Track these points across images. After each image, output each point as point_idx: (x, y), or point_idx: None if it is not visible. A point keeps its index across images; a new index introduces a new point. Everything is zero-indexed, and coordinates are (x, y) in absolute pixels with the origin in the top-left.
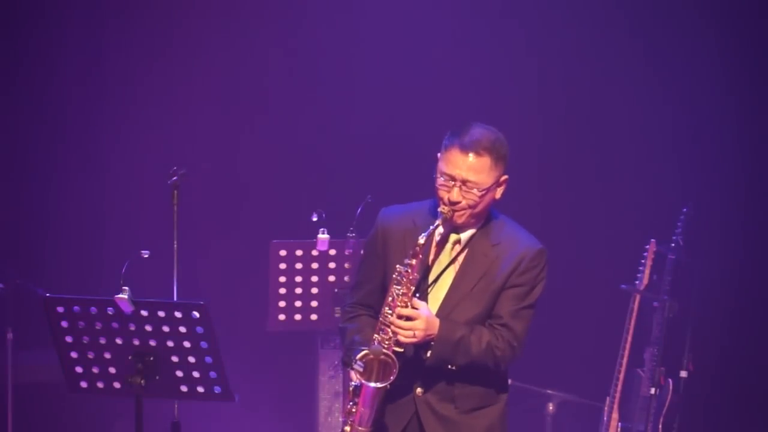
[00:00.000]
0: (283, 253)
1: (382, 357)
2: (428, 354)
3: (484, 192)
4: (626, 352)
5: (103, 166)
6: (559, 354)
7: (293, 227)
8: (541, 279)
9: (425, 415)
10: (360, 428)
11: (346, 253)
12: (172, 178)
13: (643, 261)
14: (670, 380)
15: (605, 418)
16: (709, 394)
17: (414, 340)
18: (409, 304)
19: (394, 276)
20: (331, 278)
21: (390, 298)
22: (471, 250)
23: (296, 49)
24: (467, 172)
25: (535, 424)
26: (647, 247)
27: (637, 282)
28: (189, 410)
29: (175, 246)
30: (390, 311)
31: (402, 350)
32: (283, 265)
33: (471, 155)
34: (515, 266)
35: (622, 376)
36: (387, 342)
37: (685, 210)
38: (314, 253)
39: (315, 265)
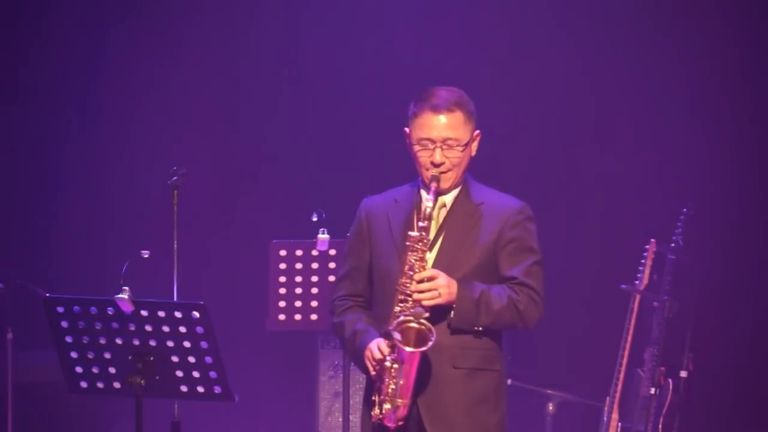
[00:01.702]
0: (283, 253)
1: (418, 325)
2: (451, 315)
3: (464, 147)
4: (626, 352)
5: (103, 166)
6: (559, 354)
7: (293, 227)
8: (533, 234)
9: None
10: (399, 401)
11: None
12: (172, 178)
13: (643, 261)
14: (670, 380)
15: (605, 418)
16: (709, 394)
17: (440, 299)
18: (425, 268)
19: (408, 244)
20: (331, 278)
21: (407, 267)
22: (456, 211)
23: (297, 49)
24: (445, 130)
25: (535, 424)
26: (647, 247)
27: (637, 282)
28: (189, 410)
29: (175, 246)
30: (408, 281)
31: (427, 315)
32: (283, 265)
33: (444, 114)
34: (503, 222)
35: (622, 376)
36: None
37: (685, 210)
38: (314, 253)
39: (315, 265)
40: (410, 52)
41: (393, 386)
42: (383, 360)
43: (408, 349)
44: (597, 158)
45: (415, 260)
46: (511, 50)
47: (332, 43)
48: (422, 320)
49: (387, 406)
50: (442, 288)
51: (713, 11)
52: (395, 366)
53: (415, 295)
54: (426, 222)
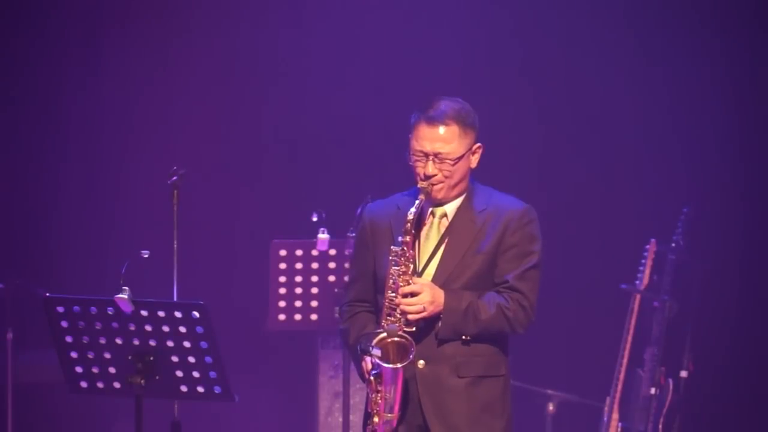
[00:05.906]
0: (283, 253)
1: (398, 338)
2: (439, 325)
3: (456, 161)
4: (626, 352)
5: (103, 166)
6: (559, 354)
7: (293, 227)
8: (536, 237)
9: (423, 387)
10: (387, 415)
11: (346, 253)
12: (172, 178)
13: (643, 261)
14: (670, 380)
15: (605, 418)
16: (709, 394)
17: (424, 314)
18: (410, 281)
19: (390, 258)
20: (331, 278)
21: (391, 281)
22: (458, 219)
23: (296, 49)
24: (437, 143)
25: (535, 424)
26: (647, 247)
27: (637, 282)
28: (189, 410)
29: (175, 246)
30: (393, 294)
31: (413, 329)
32: (283, 265)
33: (438, 127)
34: (504, 227)
35: (622, 376)
36: (397, 324)
37: (685, 210)
38: (314, 253)
39: (315, 265)
40: (412, 52)
41: (380, 400)
42: (368, 376)
43: (386, 365)
44: (597, 158)
45: (399, 274)
46: (512, 51)
47: (332, 43)
48: (402, 333)
49: (375, 419)
50: (426, 303)
51: (714, 12)
52: (379, 381)
53: (400, 308)
54: (407, 236)
